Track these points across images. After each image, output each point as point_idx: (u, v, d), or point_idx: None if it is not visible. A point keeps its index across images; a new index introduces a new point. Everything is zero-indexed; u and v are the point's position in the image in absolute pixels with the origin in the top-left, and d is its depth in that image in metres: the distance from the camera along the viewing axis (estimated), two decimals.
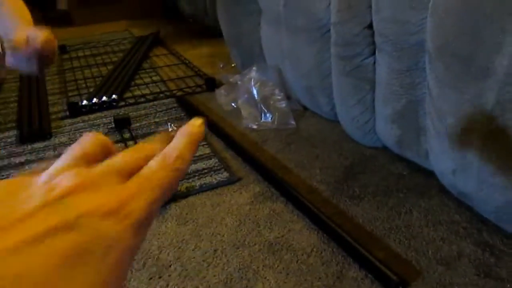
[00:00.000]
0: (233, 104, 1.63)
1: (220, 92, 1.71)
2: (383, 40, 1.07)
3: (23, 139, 1.47)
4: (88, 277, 0.17)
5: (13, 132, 1.55)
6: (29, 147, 1.43)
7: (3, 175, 1.26)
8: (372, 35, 1.12)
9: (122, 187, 0.20)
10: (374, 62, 1.15)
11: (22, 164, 1.33)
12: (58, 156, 0.22)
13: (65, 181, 0.19)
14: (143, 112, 1.67)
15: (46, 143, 1.46)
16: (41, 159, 1.35)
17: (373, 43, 1.13)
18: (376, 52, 1.13)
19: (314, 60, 1.38)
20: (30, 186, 0.19)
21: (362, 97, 1.22)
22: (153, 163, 0.22)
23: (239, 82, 1.61)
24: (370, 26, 1.11)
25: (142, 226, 0.20)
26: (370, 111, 1.22)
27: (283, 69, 1.57)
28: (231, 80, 1.68)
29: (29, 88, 1.93)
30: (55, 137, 1.49)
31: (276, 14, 1.51)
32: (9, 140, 1.49)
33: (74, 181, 0.19)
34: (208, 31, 2.83)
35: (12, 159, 1.36)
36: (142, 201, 0.20)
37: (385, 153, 1.26)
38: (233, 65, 2.04)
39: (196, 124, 0.26)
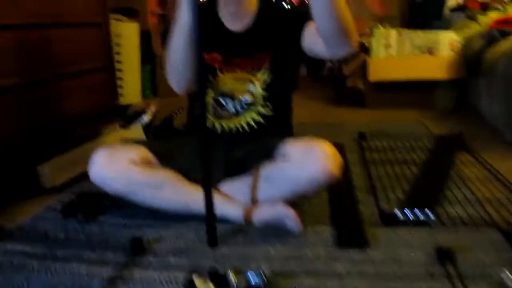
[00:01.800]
0: None
1: None
2: None
3: (340, 242, 1.44)
4: None
5: (327, 228, 1.55)
6: (346, 254, 1.38)
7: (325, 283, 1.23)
8: None
9: None
10: None
11: (341, 276, 1.27)
12: None
13: None
14: (462, 241, 1.44)
15: (362, 255, 1.37)
16: (358, 273, 1.27)
17: None
18: None
19: None
20: None
21: None
22: None
23: None
24: None
25: None
26: None
27: None
28: None
29: None
30: (371, 248, 1.41)
31: None
32: (324, 235, 1.49)
33: None
34: None
35: (329, 263, 1.33)
36: None
37: None
38: None
39: None
